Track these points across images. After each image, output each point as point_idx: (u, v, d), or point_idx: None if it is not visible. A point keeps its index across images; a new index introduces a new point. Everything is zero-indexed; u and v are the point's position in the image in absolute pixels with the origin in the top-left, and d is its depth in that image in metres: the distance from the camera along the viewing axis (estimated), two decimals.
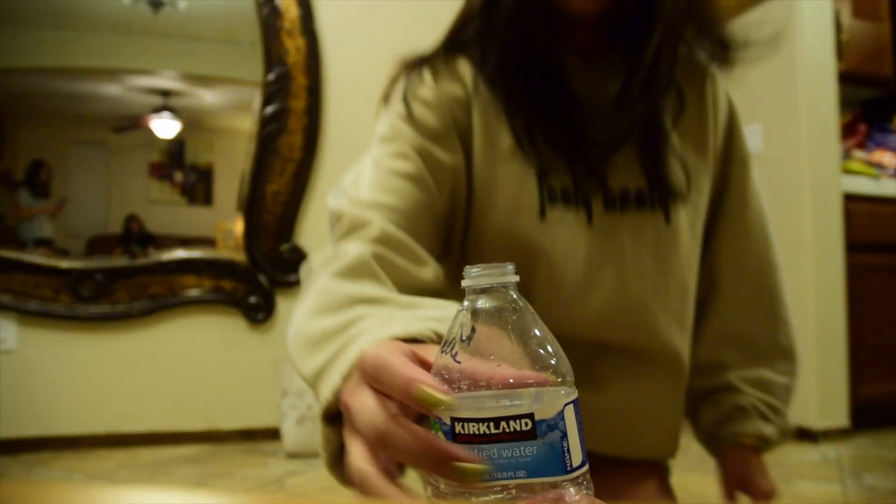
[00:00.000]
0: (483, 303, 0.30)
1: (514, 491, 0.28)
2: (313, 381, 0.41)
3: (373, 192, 0.54)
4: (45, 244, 2.34)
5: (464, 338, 0.30)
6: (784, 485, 1.39)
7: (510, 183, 0.58)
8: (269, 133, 2.28)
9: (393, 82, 0.63)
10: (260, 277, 2.28)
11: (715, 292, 0.67)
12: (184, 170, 2.52)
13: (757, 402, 0.64)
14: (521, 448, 0.27)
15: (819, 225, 2.19)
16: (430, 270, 0.51)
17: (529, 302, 0.31)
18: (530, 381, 0.29)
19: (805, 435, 2.09)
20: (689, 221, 0.61)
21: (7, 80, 2.31)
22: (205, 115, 2.53)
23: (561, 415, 0.28)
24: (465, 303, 0.31)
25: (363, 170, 0.58)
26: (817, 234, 2.19)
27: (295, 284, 2.29)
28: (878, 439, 2.10)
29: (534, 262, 0.57)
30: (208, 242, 2.45)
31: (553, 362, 0.30)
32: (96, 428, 2.14)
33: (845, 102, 2.40)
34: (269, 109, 2.28)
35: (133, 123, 2.41)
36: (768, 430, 0.63)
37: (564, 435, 0.28)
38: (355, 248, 0.49)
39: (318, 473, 1.84)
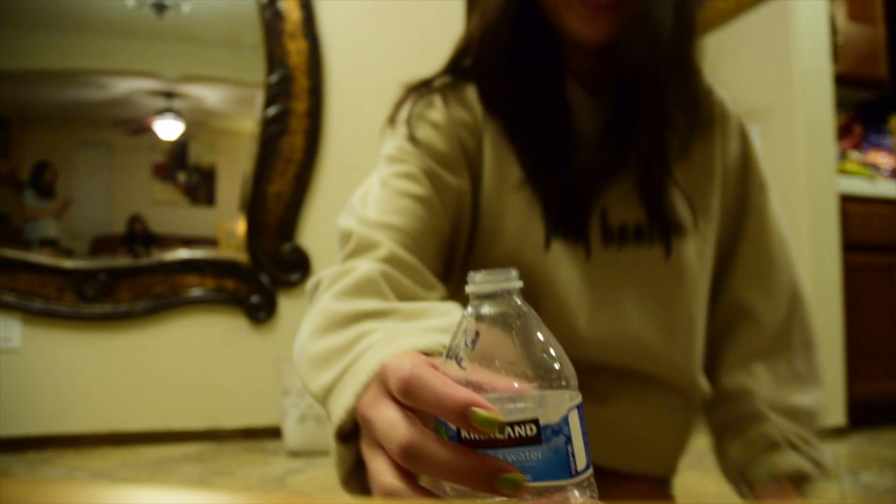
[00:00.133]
0: (487, 309, 0.30)
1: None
2: (323, 399, 0.40)
3: (380, 213, 0.54)
4: (49, 244, 2.35)
5: (468, 344, 0.30)
6: None
7: (518, 213, 0.58)
8: (271, 134, 2.29)
9: (399, 105, 0.62)
10: (262, 277, 2.29)
11: (741, 320, 0.64)
12: (186, 170, 2.53)
13: (788, 432, 0.59)
14: (526, 452, 0.27)
15: (815, 225, 2.20)
16: (437, 295, 0.52)
17: None
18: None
19: None
20: (696, 252, 0.60)
21: (13, 82, 2.32)
22: (207, 116, 2.54)
23: (565, 419, 0.28)
24: (469, 309, 0.31)
25: (370, 188, 0.58)
26: (814, 235, 2.20)
27: (296, 284, 2.30)
28: (875, 438, 2.11)
29: (538, 292, 0.57)
30: (211, 242, 2.46)
31: (557, 367, 0.30)
32: (99, 426, 2.14)
33: (841, 104, 2.41)
34: (271, 111, 2.29)
35: (144, 125, 2.43)
36: (804, 464, 0.58)
37: (569, 439, 0.28)
38: (364, 266, 0.49)
39: (320, 472, 1.84)
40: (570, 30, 0.57)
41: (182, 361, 2.24)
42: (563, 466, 0.28)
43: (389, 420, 0.29)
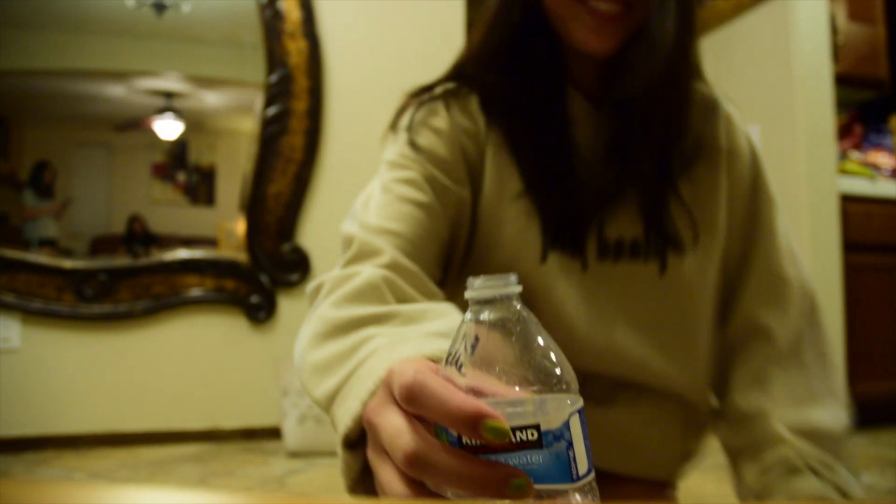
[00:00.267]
0: (486, 314, 0.30)
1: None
2: (326, 405, 0.40)
3: (382, 218, 0.54)
4: (49, 244, 2.35)
5: (468, 349, 0.30)
6: None
7: (516, 223, 0.58)
8: (270, 134, 2.29)
9: (401, 111, 0.62)
10: (261, 277, 2.28)
11: (753, 337, 0.62)
12: (186, 170, 2.53)
13: (808, 456, 0.55)
14: (528, 456, 0.27)
15: (816, 225, 2.20)
16: (438, 301, 0.51)
17: None
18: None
19: None
20: (697, 269, 0.60)
21: (12, 81, 2.32)
22: (207, 116, 2.54)
23: (566, 425, 0.28)
24: (468, 315, 0.31)
25: (372, 192, 0.58)
26: (814, 235, 2.20)
27: (296, 284, 2.30)
28: (876, 438, 2.10)
29: (534, 302, 0.57)
30: (210, 242, 2.46)
31: (557, 371, 0.29)
32: (98, 427, 2.14)
33: (841, 104, 2.41)
34: (271, 111, 2.28)
35: (135, 123, 2.42)
36: (826, 490, 0.53)
37: (570, 444, 0.28)
38: (367, 272, 0.49)
39: (319, 472, 1.84)
40: (575, 40, 0.56)
41: (181, 362, 2.24)
42: (564, 471, 0.28)
43: (395, 427, 0.29)
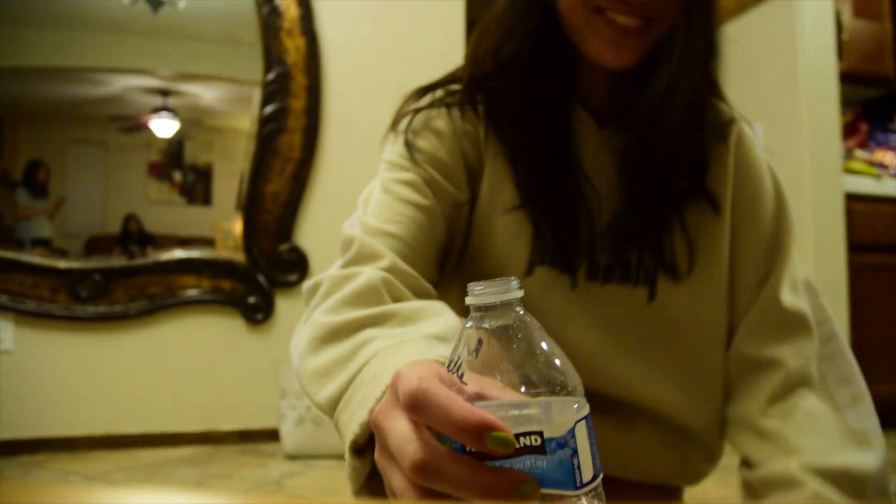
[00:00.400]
0: (488, 321, 0.30)
1: None
2: (330, 410, 0.41)
3: (381, 220, 0.55)
4: (42, 244, 2.33)
5: (471, 355, 0.30)
6: None
7: (505, 234, 0.58)
8: (268, 132, 2.27)
9: (402, 110, 0.61)
10: (259, 277, 2.27)
11: (763, 369, 0.57)
12: (183, 169, 2.51)
13: (830, 502, 0.49)
14: (531, 462, 0.27)
15: (821, 225, 2.19)
16: None
17: None
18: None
19: None
20: (691, 299, 0.58)
21: (5, 79, 2.30)
22: (204, 114, 2.53)
23: (572, 432, 0.28)
24: (470, 322, 0.30)
25: (371, 191, 0.59)
26: (819, 234, 2.18)
27: (294, 285, 2.29)
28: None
29: None
30: (207, 242, 2.44)
31: (562, 376, 0.29)
32: (94, 429, 2.13)
33: (846, 102, 2.40)
34: (269, 109, 2.27)
35: (138, 123, 2.41)
36: None
37: (575, 452, 0.28)
38: (366, 273, 0.49)
39: (317, 474, 1.83)
40: (591, 52, 0.54)
41: (178, 363, 2.23)
42: (568, 477, 0.28)
43: (402, 434, 0.29)
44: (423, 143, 0.58)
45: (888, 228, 2.30)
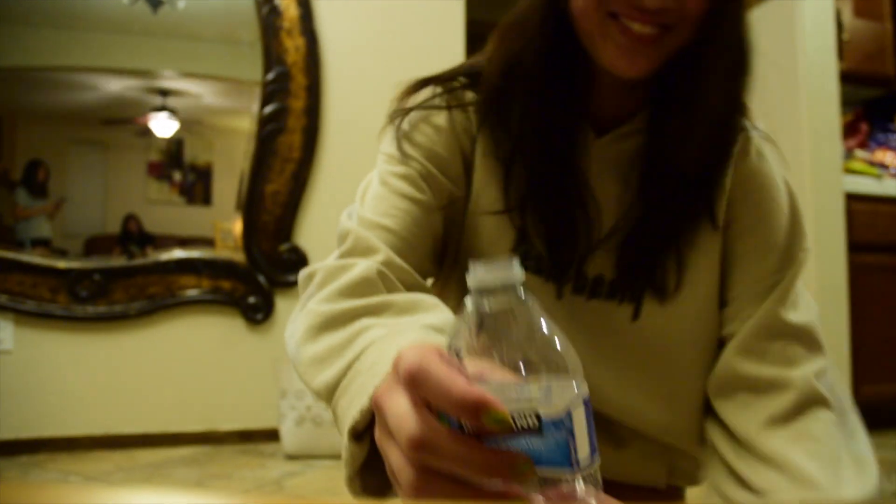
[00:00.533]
0: (489, 300, 0.30)
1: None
2: (327, 396, 0.41)
3: (378, 213, 0.55)
4: (42, 244, 2.33)
5: (471, 336, 0.30)
6: None
7: (487, 235, 0.58)
8: (268, 133, 2.27)
9: (402, 101, 0.60)
10: (259, 277, 2.27)
11: (753, 390, 0.54)
12: (182, 169, 2.51)
13: None
14: (528, 442, 0.28)
15: (821, 225, 2.18)
16: None
17: None
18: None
19: None
20: (675, 317, 0.56)
21: (5, 79, 2.30)
22: (204, 114, 2.52)
23: (569, 413, 0.28)
24: (470, 303, 0.30)
25: (370, 182, 0.59)
26: (820, 234, 2.18)
27: (294, 285, 2.28)
28: (882, 441, 2.08)
29: None
30: (207, 242, 2.44)
31: (561, 360, 0.29)
32: (93, 429, 2.12)
33: (847, 102, 2.40)
34: (269, 109, 2.27)
35: (139, 124, 2.41)
36: None
37: (571, 433, 0.28)
38: (362, 264, 0.49)
39: (317, 474, 1.82)
40: (603, 60, 0.51)
41: (178, 363, 2.23)
42: (564, 458, 0.28)
43: (400, 411, 0.29)
44: (421, 137, 0.58)
45: (888, 228, 2.30)
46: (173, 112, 2.43)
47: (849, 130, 2.52)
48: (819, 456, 0.49)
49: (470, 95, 0.60)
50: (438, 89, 0.60)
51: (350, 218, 0.56)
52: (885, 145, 2.52)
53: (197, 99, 2.49)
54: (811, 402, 0.52)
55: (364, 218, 0.55)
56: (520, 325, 0.30)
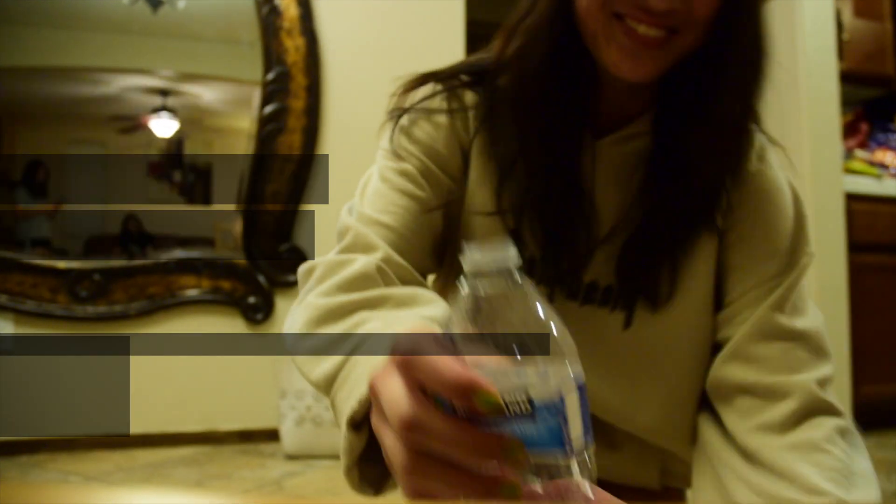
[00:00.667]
0: (482, 285, 0.29)
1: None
2: (326, 387, 0.41)
3: (377, 210, 0.55)
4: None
5: (464, 322, 0.29)
6: None
7: (479, 235, 0.58)
8: (268, 133, 2.27)
9: (402, 96, 0.60)
10: (259, 278, 2.27)
11: (749, 397, 0.53)
12: (182, 169, 2.51)
13: None
14: (521, 427, 0.27)
15: (821, 225, 2.18)
16: None
17: None
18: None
19: None
20: (667, 326, 0.56)
21: (4, 79, 2.29)
22: (203, 114, 2.52)
23: (562, 398, 0.28)
24: (465, 287, 0.30)
25: (370, 177, 0.59)
26: (819, 234, 2.18)
27: (294, 285, 2.27)
28: (882, 441, 2.08)
29: None
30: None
31: (557, 345, 0.29)
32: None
33: (847, 102, 2.39)
34: (269, 109, 2.27)
35: (137, 124, 2.40)
36: None
37: (565, 418, 0.28)
38: (361, 260, 0.50)
39: (317, 474, 1.82)
40: (608, 62, 0.50)
41: (178, 363, 2.22)
42: (557, 443, 0.28)
43: (394, 393, 0.29)
44: (421, 133, 0.58)
45: (888, 228, 2.30)
46: (173, 112, 2.43)
47: (849, 130, 2.52)
48: (822, 466, 0.48)
49: (470, 94, 0.59)
50: (439, 86, 0.59)
51: (350, 213, 0.57)
52: (885, 145, 2.52)
53: (197, 99, 2.49)
54: (813, 409, 0.50)
55: (363, 214, 0.55)
56: (515, 308, 0.29)
